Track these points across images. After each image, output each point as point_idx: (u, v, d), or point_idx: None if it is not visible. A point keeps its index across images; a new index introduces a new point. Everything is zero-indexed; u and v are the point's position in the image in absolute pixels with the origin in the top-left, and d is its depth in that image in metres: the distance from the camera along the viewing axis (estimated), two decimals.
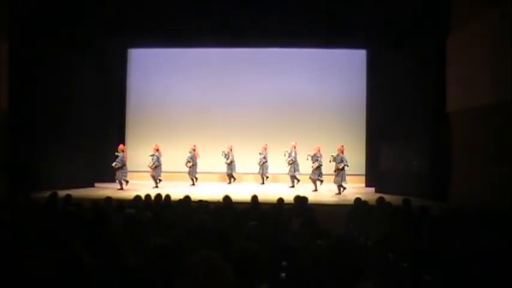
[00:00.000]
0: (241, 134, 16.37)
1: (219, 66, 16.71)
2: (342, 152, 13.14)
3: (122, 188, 13.21)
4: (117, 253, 3.58)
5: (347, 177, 13.65)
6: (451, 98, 11.60)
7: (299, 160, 14.36)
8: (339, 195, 12.65)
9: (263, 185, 14.82)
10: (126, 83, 17.00)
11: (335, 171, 13.04)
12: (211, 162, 15.43)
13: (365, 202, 8.39)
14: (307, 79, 16.49)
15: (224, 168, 15.20)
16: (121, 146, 13.71)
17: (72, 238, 4.31)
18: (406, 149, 12.82)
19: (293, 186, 14.25)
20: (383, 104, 13.66)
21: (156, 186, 13.55)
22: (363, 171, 15.34)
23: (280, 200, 8.18)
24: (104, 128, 15.31)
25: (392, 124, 13.22)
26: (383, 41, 13.57)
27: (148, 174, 14.07)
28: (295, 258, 3.96)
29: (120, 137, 16.23)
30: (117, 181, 13.42)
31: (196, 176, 14.65)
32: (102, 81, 15.12)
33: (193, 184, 14.51)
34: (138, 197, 8.52)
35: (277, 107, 16.49)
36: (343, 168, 12.98)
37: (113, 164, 13.38)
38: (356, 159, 15.08)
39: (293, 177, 14.40)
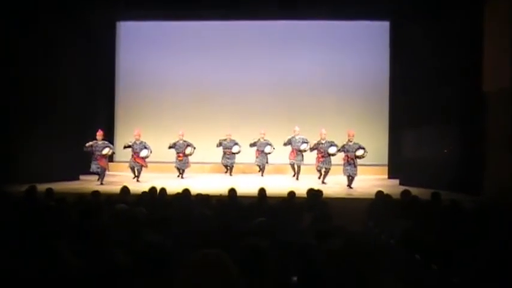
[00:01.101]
0: (243, 118, 16.42)
1: (219, 42, 16.71)
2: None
3: (101, 183, 13.10)
4: (107, 253, 3.63)
5: (366, 168, 13.62)
6: (488, 76, 11.51)
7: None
8: (350, 189, 12.65)
9: (263, 177, 14.80)
10: (115, 62, 17.04)
11: (349, 160, 12.91)
12: (209, 151, 15.44)
13: (388, 196, 8.41)
14: (320, 56, 16.47)
15: (219, 158, 15.21)
16: (101, 132, 13.51)
17: (54, 237, 4.37)
18: (435, 135, 12.77)
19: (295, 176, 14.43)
20: (409, 83, 13.58)
21: (137, 179, 13.73)
22: (385, 161, 15.33)
23: (292, 193, 8.25)
24: (90, 113, 15.36)
25: (419, 107, 13.16)
26: (408, 10, 13.45)
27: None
28: (306, 258, 4.00)
29: (109, 123, 16.29)
30: (98, 170, 13.22)
31: (178, 166, 14.52)
32: (89, 60, 15.12)
33: (181, 176, 14.50)
34: (125, 189, 8.65)
35: (285, 88, 16.51)
36: (360, 156, 12.90)
37: (106, 152, 13.25)
38: (377, 147, 15.08)
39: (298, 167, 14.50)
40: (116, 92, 17.09)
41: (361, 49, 16.41)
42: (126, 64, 17.10)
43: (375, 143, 15.05)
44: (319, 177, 13.59)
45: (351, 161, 12.91)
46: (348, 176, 12.94)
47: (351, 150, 12.96)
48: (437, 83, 12.59)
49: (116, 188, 9.61)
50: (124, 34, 17.19)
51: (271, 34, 16.56)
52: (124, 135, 16.08)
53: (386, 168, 15.24)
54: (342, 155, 13.15)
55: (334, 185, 13.07)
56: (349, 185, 12.87)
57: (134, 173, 13.83)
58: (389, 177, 14.89)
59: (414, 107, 13.36)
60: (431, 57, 12.72)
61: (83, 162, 13.96)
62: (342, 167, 13.17)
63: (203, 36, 16.75)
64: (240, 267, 2.47)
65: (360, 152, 12.92)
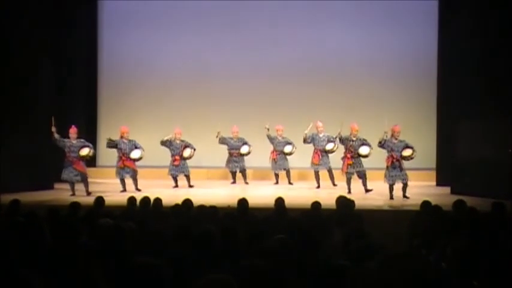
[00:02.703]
0: (253, 111, 16.47)
1: (224, 17, 16.71)
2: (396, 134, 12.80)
3: (88, 191, 12.99)
4: (89, 279, 3.64)
5: (409, 173, 13.51)
6: None
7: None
8: (405, 199, 12.51)
9: (291, 185, 14.80)
10: (97, 46, 17.07)
11: (394, 161, 12.62)
12: (209, 152, 15.45)
13: (437, 207, 8.37)
14: (351, 36, 16.52)
15: (221, 162, 15.20)
16: (75, 129, 13.27)
17: (22, 264, 4.38)
18: (496, 130, 12.67)
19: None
20: (462, 65, 13.49)
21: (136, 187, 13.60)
22: (433, 164, 15.27)
23: (316, 204, 8.25)
24: (67, 108, 15.42)
25: (475, 96, 13.05)
26: None
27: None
28: (338, 285, 3.99)
29: (90, 121, 16.34)
30: (76, 178, 13.04)
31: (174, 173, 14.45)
32: (64, 43, 15.31)
33: (188, 184, 14.48)
34: (100, 199, 8.82)
35: (305, 75, 16.54)
36: (408, 157, 12.64)
37: (86, 152, 12.95)
38: (423, 147, 14.96)
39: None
40: (98, 82, 17.12)
41: (402, 24, 16.44)
42: (109, 46, 17.16)
43: (420, 141, 14.92)
44: (349, 189, 13.30)
45: (396, 164, 12.59)
46: (391, 185, 12.57)
47: (396, 149, 12.66)
48: (501, 64, 12.45)
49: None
50: (107, 13, 17.23)
51: (291, 9, 16.52)
52: (108, 132, 16.14)
53: (434, 172, 15.23)
54: (383, 156, 12.87)
55: (369, 194, 13.10)
56: (404, 195, 12.55)
57: (124, 185, 13.57)
58: (437, 184, 14.89)
59: (469, 97, 13.25)
60: (491, 33, 12.58)
61: (57, 169, 13.97)
62: (374, 171, 13.15)
63: (204, 12, 16.73)
64: None
65: (407, 152, 12.65)
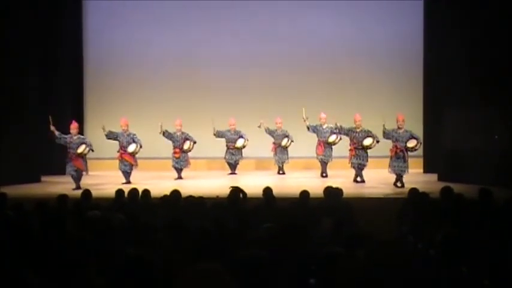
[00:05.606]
0: (245, 102, 16.43)
1: (212, 9, 16.61)
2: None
3: (78, 187, 12.63)
4: (79, 271, 3.63)
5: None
6: None
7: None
8: (399, 187, 12.51)
9: (283, 175, 14.85)
10: (82, 37, 16.92)
11: (398, 152, 12.62)
12: (201, 144, 15.45)
13: (424, 194, 8.40)
14: (339, 24, 16.51)
15: (221, 153, 15.17)
16: (75, 125, 13.25)
17: (12, 254, 4.36)
18: (484, 117, 12.69)
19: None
20: (448, 53, 13.47)
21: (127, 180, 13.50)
22: (420, 151, 15.26)
23: (305, 193, 8.25)
24: (52, 101, 15.32)
25: (463, 82, 13.01)
26: None
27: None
28: (326, 273, 4.01)
29: (76, 112, 16.24)
30: (73, 173, 12.86)
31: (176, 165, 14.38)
32: (48, 36, 15.26)
33: (180, 177, 14.35)
34: (87, 192, 8.78)
35: (296, 62, 16.49)
36: (412, 148, 12.62)
37: (82, 150, 12.81)
38: None
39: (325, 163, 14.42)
40: (84, 73, 16.93)
41: (389, 16, 16.43)
42: (95, 40, 16.99)
43: (407, 129, 15.03)
44: (356, 178, 13.36)
45: (400, 154, 12.58)
46: (398, 175, 12.61)
47: (400, 139, 12.65)
48: (490, 50, 12.43)
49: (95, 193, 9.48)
50: (91, 6, 17.04)
51: None
52: (96, 126, 16.03)
53: (421, 160, 15.19)
54: (388, 145, 12.88)
55: (358, 183, 13.15)
56: (401, 185, 12.50)
57: (126, 177, 13.48)
58: (425, 172, 14.91)
59: (458, 84, 13.21)
60: (480, 18, 12.53)
61: (44, 162, 13.86)
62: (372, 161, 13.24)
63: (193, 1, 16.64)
64: (240, 285, 2.46)
65: (412, 143, 12.63)
